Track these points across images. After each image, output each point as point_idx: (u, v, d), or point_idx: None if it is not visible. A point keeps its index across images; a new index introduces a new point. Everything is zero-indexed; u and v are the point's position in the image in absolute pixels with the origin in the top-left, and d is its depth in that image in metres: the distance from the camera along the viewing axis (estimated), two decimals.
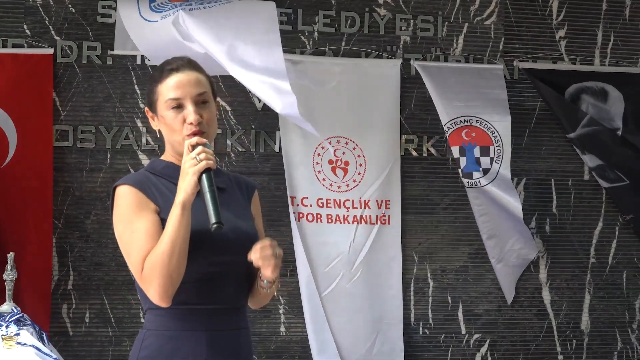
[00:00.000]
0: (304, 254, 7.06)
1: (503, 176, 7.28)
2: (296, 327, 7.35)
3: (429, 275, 7.46)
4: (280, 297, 7.32)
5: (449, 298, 7.51)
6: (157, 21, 6.21)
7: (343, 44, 7.39)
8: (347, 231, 7.16)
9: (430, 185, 7.48)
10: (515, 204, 7.18)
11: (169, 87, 3.09)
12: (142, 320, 6.98)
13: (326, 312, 7.07)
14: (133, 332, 7.16)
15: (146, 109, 3.22)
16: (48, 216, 7.02)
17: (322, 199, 7.11)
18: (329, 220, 7.10)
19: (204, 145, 2.97)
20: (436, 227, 7.48)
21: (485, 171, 7.25)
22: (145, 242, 2.95)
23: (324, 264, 7.15)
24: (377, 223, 7.18)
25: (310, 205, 7.10)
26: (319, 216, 7.12)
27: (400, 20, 7.46)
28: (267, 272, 3.02)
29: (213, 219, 2.87)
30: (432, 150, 7.48)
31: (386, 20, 7.44)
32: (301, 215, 7.14)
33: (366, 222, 7.16)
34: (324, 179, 7.14)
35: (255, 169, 7.24)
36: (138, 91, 7.17)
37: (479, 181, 7.20)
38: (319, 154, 7.12)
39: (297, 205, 7.14)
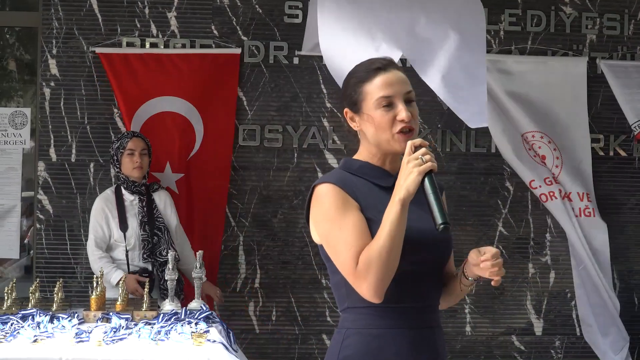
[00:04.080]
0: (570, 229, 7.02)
1: None
2: (482, 327, 7.32)
3: (615, 276, 7.35)
4: (467, 297, 7.29)
5: (636, 299, 7.41)
6: None
7: (529, 42, 7.34)
8: (567, 206, 7.07)
9: (616, 185, 7.39)
10: None
11: (379, 86, 3.07)
12: (328, 319, 7.08)
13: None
14: (319, 330, 7.20)
15: (345, 110, 3.17)
16: (221, 215, 7.13)
17: (548, 177, 7.00)
18: (550, 198, 6.99)
19: (426, 147, 2.96)
20: (622, 228, 7.39)
21: None
22: (357, 238, 2.94)
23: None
24: (580, 215, 7.04)
25: (540, 187, 6.99)
26: (551, 194, 6.99)
27: (586, 19, 7.39)
28: (493, 279, 2.97)
29: (439, 220, 2.86)
30: (619, 150, 7.39)
31: (572, 18, 7.37)
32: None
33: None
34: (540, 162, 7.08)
35: (442, 169, 7.21)
36: (325, 91, 7.20)
37: None
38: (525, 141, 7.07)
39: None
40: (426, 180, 2.90)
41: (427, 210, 2.96)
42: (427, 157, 2.90)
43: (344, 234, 2.96)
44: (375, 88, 3.08)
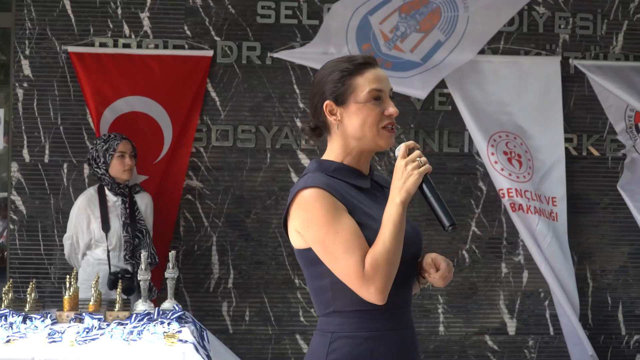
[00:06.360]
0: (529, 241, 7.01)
1: None
2: (455, 327, 7.34)
3: (588, 275, 7.39)
4: (440, 297, 7.31)
5: (609, 299, 7.44)
6: None
7: (502, 42, 7.36)
8: (530, 221, 6.98)
9: (589, 184, 7.42)
10: None
11: (371, 79, 3.08)
12: (302, 319, 7.09)
13: None
14: (292, 330, 7.20)
15: (327, 102, 3.11)
16: (172, 214, 7.10)
17: (502, 189, 6.96)
18: (513, 209, 6.97)
19: (418, 149, 3.02)
20: (595, 227, 7.42)
21: None
22: (359, 242, 2.94)
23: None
24: (555, 220, 7.06)
25: (504, 196, 6.95)
26: (512, 205, 6.95)
27: (559, 19, 7.41)
28: (440, 285, 3.14)
29: (447, 222, 2.90)
30: (593, 150, 7.42)
31: (545, 18, 7.39)
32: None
33: (544, 215, 7.01)
34: (502, 169, 6.98)
35: None
36: (297, 91, 7.20)
37: None
38: (492, 145, 7.00)
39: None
40: (424, 183, 2.93)
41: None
42: (424, 159, 2.95)
43: (342, 239, 2.95)
44: (367, 81, 3.09)
